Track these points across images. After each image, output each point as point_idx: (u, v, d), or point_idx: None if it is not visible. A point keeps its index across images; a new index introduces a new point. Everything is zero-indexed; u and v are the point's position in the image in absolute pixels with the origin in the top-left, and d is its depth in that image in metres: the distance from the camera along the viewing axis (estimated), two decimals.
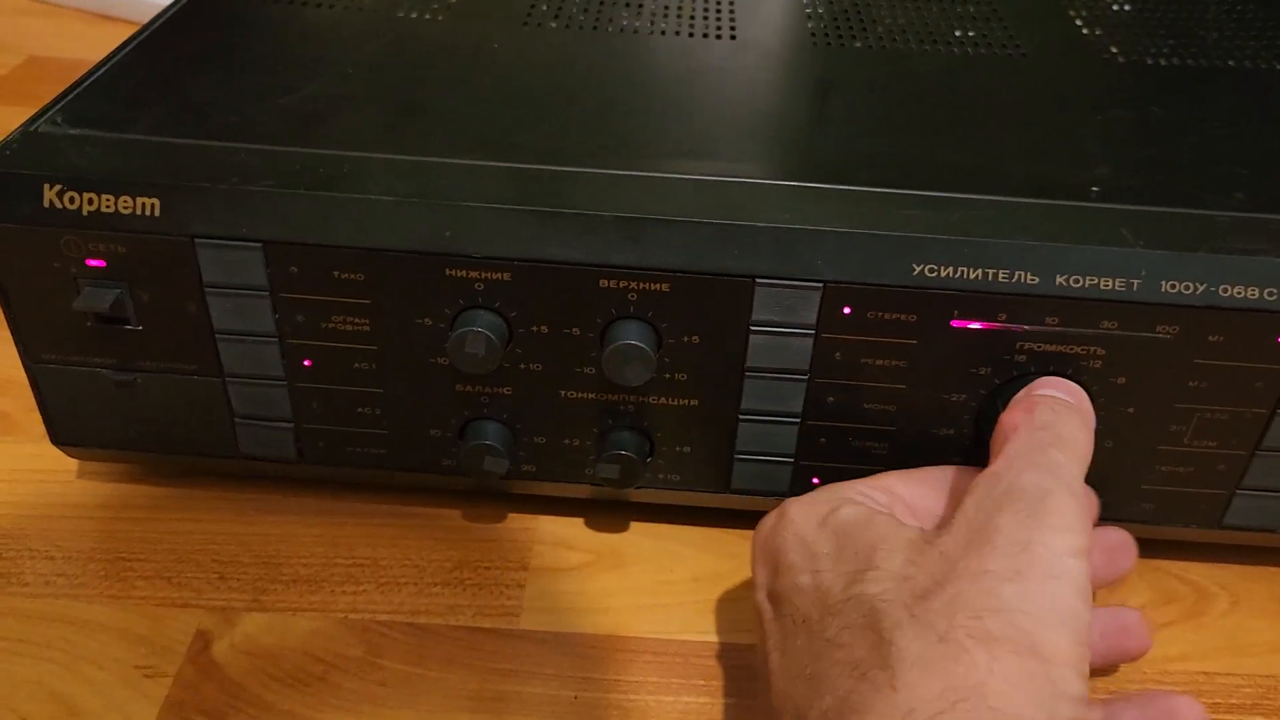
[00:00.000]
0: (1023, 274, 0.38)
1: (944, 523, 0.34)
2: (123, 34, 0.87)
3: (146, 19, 0.87)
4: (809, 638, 0.32)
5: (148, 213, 0.39)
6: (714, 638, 0.42)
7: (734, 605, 0.44)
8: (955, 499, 0.37)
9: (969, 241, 0.38)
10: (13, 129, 0.73)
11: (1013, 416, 0.36)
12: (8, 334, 0.55)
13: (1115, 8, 0.60)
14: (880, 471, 0.42)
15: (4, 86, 0.79)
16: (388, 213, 0.38)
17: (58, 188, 0.39)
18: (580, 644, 0.42)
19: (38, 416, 0.49)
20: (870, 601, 0.31)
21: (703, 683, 0.41)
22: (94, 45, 0.86)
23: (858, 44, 0.54)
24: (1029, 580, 0.30)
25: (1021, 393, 0.38)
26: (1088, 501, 0.34)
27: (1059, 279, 0.38)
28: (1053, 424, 0.35)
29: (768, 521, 0.37)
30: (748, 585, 0.44)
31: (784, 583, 0.35)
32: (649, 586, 0.44)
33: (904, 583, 0.31)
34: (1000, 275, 0.38)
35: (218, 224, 0.39)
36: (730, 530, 0.47)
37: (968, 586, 0.30)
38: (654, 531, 0.47)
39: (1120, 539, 0.41)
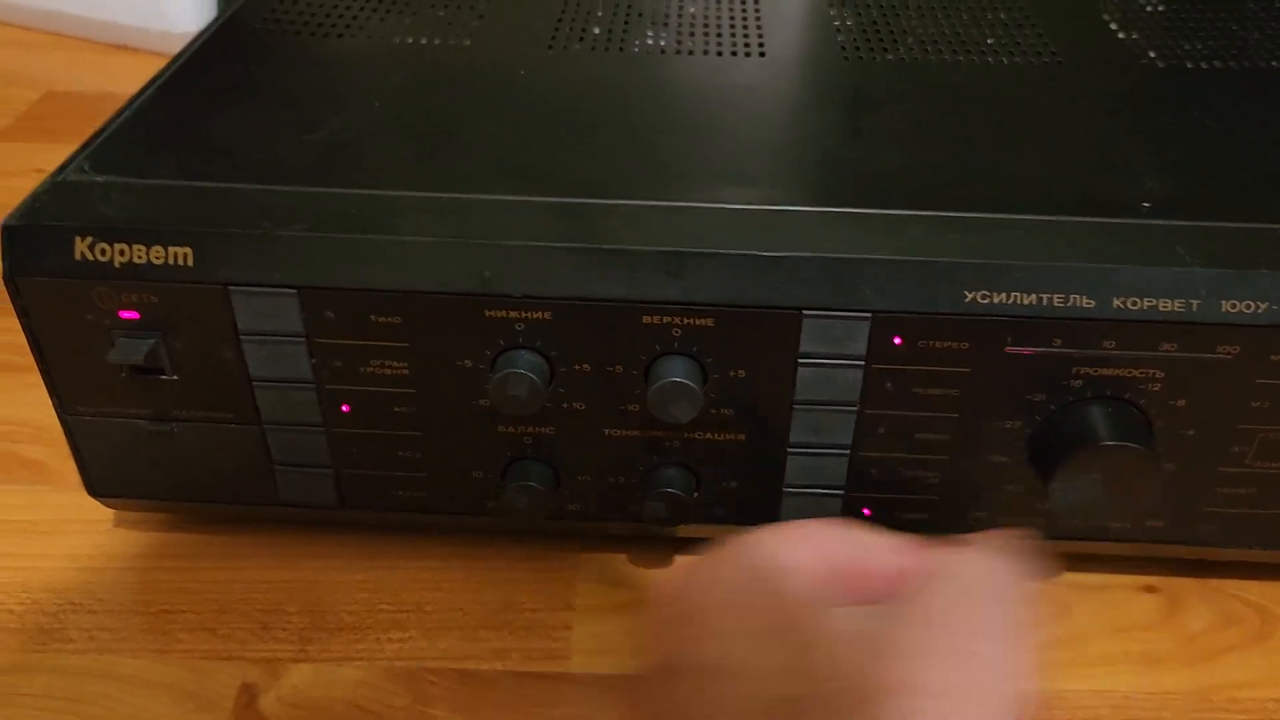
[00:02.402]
0: (1078, 298, 0.37)
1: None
2: (139, 64, 0.87)
3: (162, 49, 0.87)
4: None
5: (181, 262, 0.38)
6: None
7: None
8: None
9: (1021, 266, 0.37)
10: (34, 165, 0.74)
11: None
12: (40, 380, 0.55)
13: (1149, 8, 0.59)
14: (931, 501, 0.41)
15: (24, 123, 0.79)
16: (424, 254, 0.38)
17: (89, 239, 0.38)
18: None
19: (74, 465, 0.48)
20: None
21: None
22: (111, 77, 0.86)
23: (889, 56, 0.53)
24: None
25: None
26: None
27: (1115, 302, 0.37)
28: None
29: (677, 577, 0.33)
30: None
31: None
32: None
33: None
34: (1055, 300, 0.37)
35: (251, 271, 0.38)
36: None
37: None
38: None
39: None
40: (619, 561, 0.46)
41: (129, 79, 0.85)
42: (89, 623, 0.43)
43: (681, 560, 0.34)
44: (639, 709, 0.32)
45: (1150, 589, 0.45)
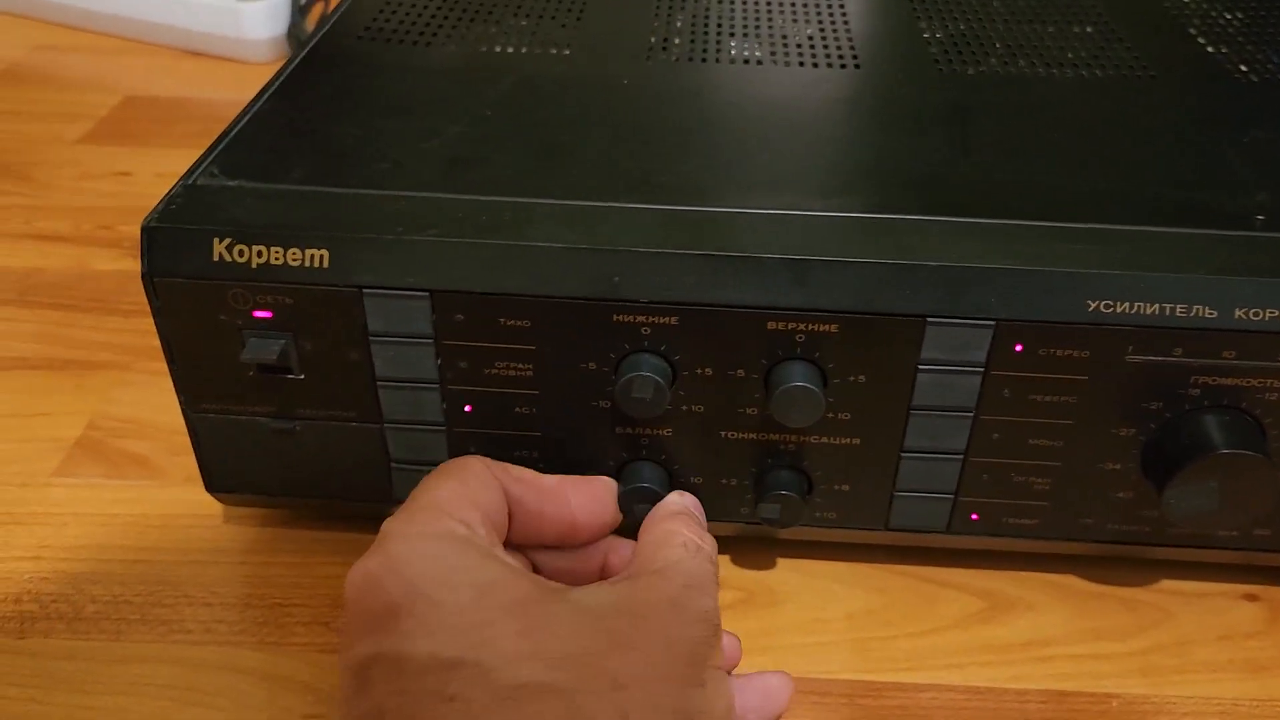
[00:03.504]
0: (1200, 308, 0.37)
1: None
2: (213, 70, 0.89)
3: (235, 55, 0.89)
4: None
5: (317, 264, 0.39)
6: (874, 676, 0.42)
7: (892, 643, 0.43)
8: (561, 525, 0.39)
9: (1144, 277, 0.37)
10: (116, 168, 0.75)
11: (678, 529, 0.38)
12: (145, 377, 0.57)
13: (1232, 21, 0.60)
14: (1042, 507, 0.42)
15: (105, 127, 0.81)
16: (555, 259, 0.39)
17: (227, 241, 0.39)
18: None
19: (180, 460, 0.50)
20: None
21: None
22: (187, 82, 0.88)
23: (981, 68, 0.54)
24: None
25: (677, 504, 0.40)
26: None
27: (1238, 312, 0.37)
28: (709, 570, 0.36)
29: (370, 564, 0.33)
30: (905, 623, 0.44)
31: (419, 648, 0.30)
32: (804, 625, 0.44)
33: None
34: (1178, 310, 0.37)
35: (386, 274, 0.39)
36: (880, 565, 0.46)
37: None
38: (804, 568, 0.46)
39: (778, 683, 0.38)
40: (723, 563, 0.47)
41: (204, 84, 0.88)
42: (206, 615, 0.44)
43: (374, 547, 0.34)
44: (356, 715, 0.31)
45: (1251, 597, 0.45)
